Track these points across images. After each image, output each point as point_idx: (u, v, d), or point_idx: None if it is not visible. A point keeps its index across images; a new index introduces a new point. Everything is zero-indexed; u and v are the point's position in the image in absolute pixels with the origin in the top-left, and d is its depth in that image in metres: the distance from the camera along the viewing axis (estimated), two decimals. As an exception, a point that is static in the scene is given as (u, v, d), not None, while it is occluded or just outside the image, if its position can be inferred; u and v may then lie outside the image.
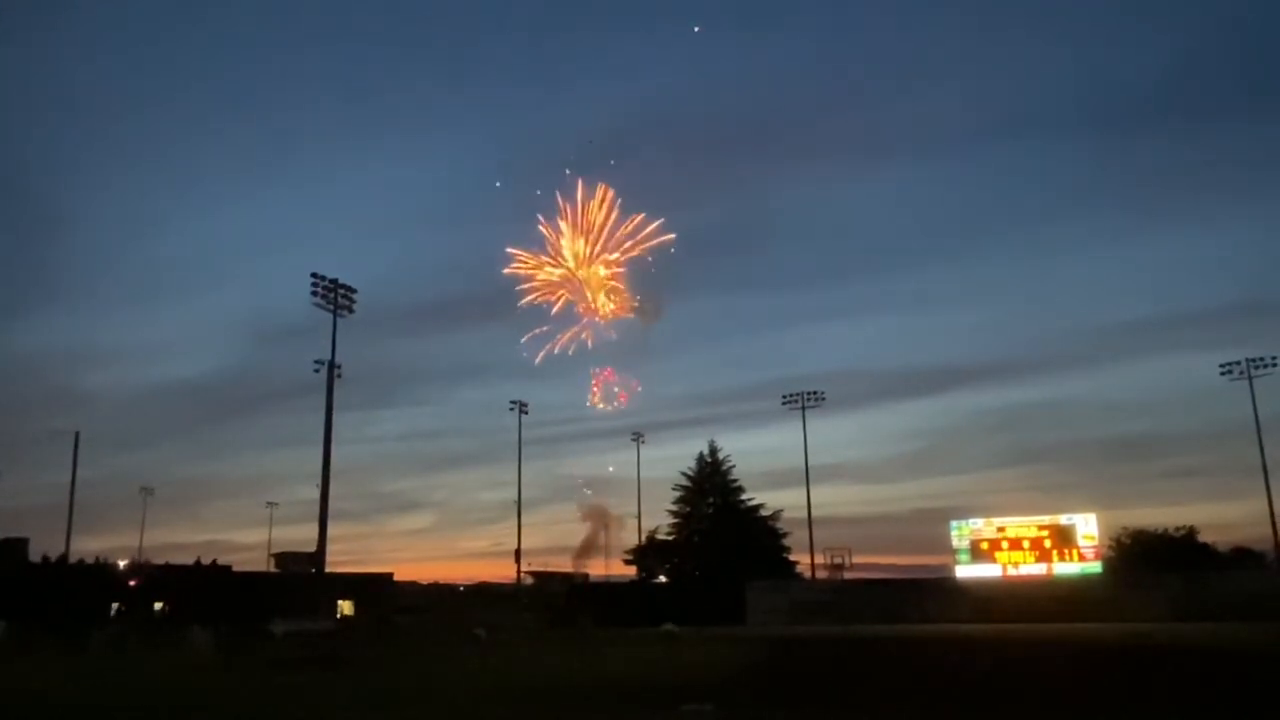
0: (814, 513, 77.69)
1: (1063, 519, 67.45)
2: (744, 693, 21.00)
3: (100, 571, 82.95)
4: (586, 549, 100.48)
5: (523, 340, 76.55)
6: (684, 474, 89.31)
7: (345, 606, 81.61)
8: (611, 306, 71.78)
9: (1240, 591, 58.63)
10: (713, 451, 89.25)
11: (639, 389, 77.57)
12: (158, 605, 76.14)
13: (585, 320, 74.73)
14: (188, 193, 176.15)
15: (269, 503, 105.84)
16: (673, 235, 78.19)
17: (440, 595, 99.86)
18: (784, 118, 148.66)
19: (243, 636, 49.66)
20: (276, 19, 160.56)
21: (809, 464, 78.58)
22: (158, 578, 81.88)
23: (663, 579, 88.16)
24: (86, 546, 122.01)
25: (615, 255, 71.81)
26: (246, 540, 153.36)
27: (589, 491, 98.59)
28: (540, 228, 73.93)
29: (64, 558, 77.21)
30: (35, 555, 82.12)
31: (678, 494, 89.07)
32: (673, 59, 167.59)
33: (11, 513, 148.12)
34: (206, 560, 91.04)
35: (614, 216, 73.04)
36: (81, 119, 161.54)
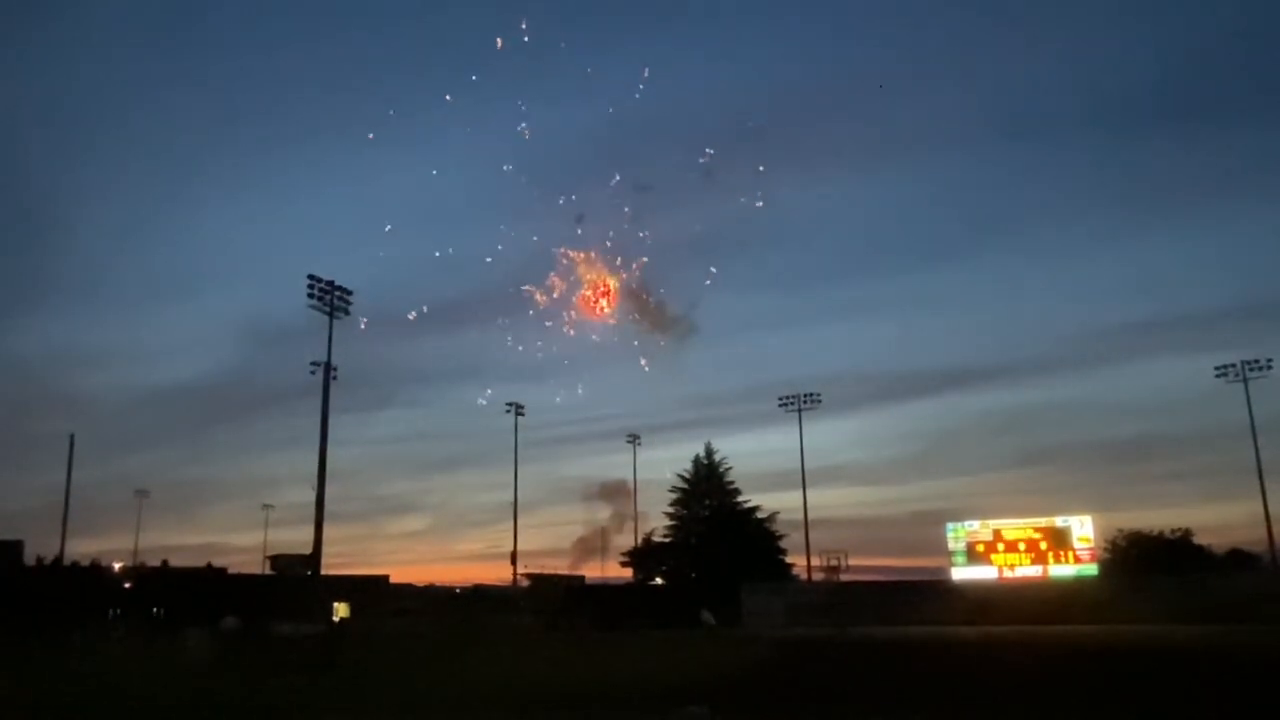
0: (811, 515, 77.73)
1: (1058, 521, 67.63)
2: (740, 696, 21.00)
3: (95, 574, 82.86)
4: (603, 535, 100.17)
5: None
6: (681, 476, 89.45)
7: (341, 609, 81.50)
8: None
9: (1236, 593, 58.73)
10: (709, 454, 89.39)
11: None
12: (155, 609, 76.01)
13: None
14: (183, 195, 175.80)
15: (264, 505, 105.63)
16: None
17: (436, 598, 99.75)
18: (783, 118, 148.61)
19: (237, 638, 49.65)
20: (273, 20, 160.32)
21: (805, 466, 78.62)
22: (153, 580, 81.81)
23: (659, 581, 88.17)
24: (82, 549, 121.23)
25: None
26: (242, 543, 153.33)
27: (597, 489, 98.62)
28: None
29: (59, 560, 77.02)
30: (30, 558, 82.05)
31: (674, 496, 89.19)
32: (672, 59, 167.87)
33: (6, 515, 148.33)
34: (209, 565, 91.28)
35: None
36: (77, 121, 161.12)
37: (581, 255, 63.17)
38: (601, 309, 64.31)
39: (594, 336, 65.37)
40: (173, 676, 29.25)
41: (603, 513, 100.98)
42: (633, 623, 63.59)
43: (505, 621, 71.53)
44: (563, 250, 64.97)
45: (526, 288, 67.71)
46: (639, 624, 62.52)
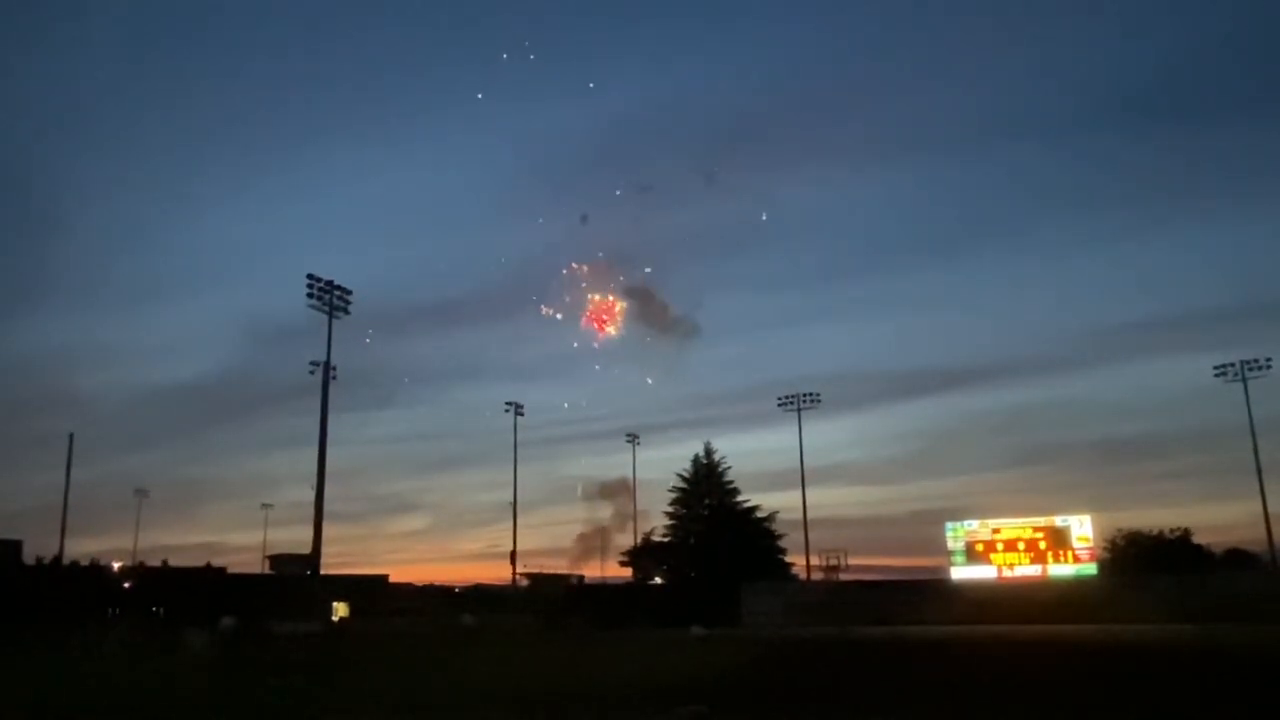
0: (810, 514, 77.82)
1: (1057, 520, 67.64)
2: (739, 695, 21.01)
3: (95, 574, 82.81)
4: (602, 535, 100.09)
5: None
6: (680, 476, 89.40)
7: (340, 609, 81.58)
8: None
9: (1234, 593, 58.77)
10: (709, 453, 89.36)
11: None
12: (155, 608, 75.95)
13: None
14: (184, 195, 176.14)
15: (264, 504, 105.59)
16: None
17: (435, 597, 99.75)
18: (782, 118, 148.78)
19: (237, 639, 49.64)
20: (273, 22, 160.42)
21: (805, 466, 78.70)
22: (152, 580, 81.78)
23: (658, 581, 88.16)
24: (81, 549, 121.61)
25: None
26: (242, 542, 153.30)
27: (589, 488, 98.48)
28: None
29: (58, 560, 77.01)
30: (29, 557, 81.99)
31: (674, 496, 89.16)
32: (672, 61, 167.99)
33: (6, 515, 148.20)
34: (208, 564, 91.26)
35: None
36: (78, 121, 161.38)
37: (587, 268, 63.13)
38: (607, 330, 64.39)
39: (594, 345, 65.54)
40: (171, 677, 29.25)
41: (602, 512, 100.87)
42: (632, 622, 63.58)
43: (504, 621, 71.50)
44: (572, 266, 64.97)
45: (534, 298, 67.55)
46: (638, 624, 62.52)
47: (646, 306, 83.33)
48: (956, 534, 69.55)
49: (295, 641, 48.60)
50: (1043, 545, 67.17)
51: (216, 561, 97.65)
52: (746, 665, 30.07)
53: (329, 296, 61.64)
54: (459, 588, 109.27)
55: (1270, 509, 67.46)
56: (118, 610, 75.66)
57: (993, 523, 69.34)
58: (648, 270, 74.08)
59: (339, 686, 25.12)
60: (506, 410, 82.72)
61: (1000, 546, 68.17)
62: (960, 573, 68.69)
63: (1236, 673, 25.04)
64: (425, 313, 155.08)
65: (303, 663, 32.92)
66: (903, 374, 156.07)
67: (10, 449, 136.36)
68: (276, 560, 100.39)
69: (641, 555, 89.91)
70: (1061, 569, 66.04)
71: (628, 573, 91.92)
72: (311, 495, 60.48)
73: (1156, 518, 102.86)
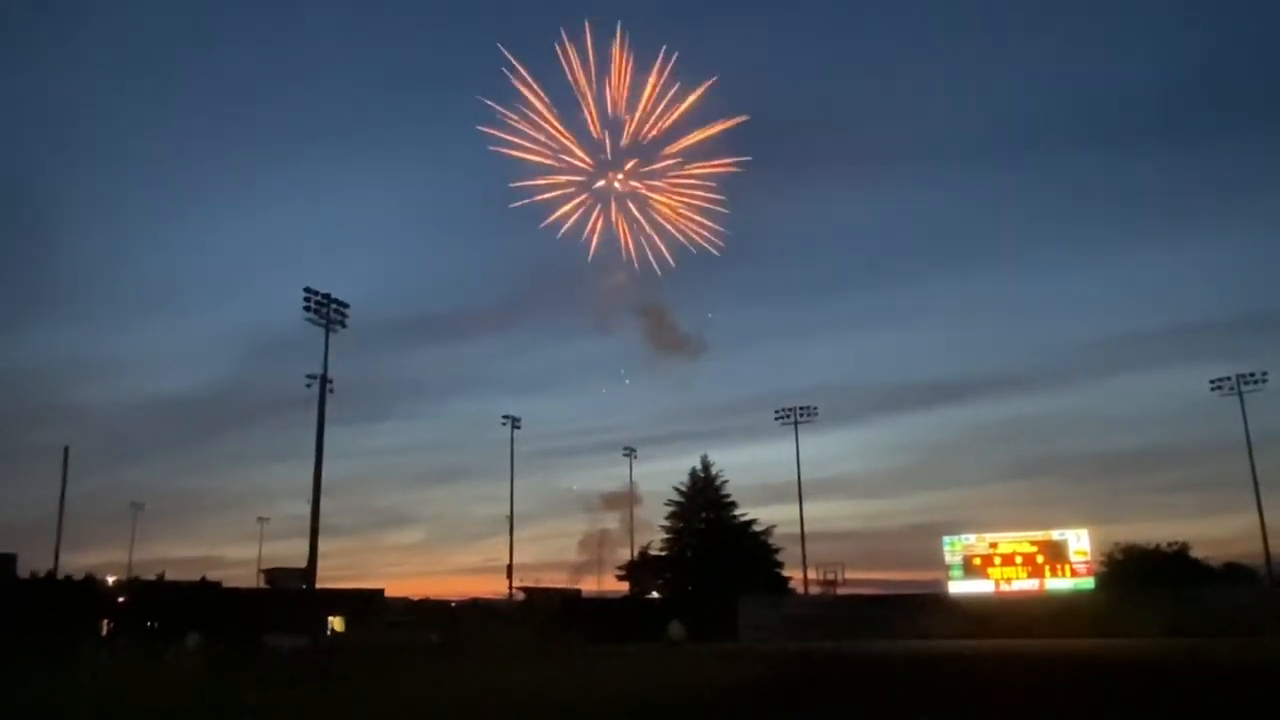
0: (807, 528, 77.65)
1: (1055, 534, 67.58)
2: (736, 708, 20.93)
3: (89, 588, 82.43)
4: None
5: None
6: (677, 489, 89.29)
7: (336, 623, 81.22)
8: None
9: (1231, 607, 58.73)
10: (705, 466, 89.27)
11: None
12: (149, 623, 75.57)
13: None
14: (181, 207, 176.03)
15: (260, 518, 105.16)
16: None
17: (431, 611, 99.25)
18: (780, 129, 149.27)
19: (232, 653, 49.52)
20: (272, 32, 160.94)
21: (802, 479, 78.64)
22: (147, 594, 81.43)
23: (655, 595, 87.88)
24: (76, 562, 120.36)
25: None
26: (238, 555, 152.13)
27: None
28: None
29: (52, 574, 76.67)
30: (24, 571, 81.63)
31: (670, 509, 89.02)
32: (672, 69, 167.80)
33: (0, 528, 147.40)
34: (203, 578, 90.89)
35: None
36: (77, 132, 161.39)
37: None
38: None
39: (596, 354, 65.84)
40: (154, 690, 29.10)
41: (600, 526, 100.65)
42: (628, 637, 63.30)
43: (499, 635, 71.25)
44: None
45: (535, 309, 68.40)
46: (634, 638, 62.24)
47: (657, 325, 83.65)
48: (954, 548, 69.46)
49: (283, 655, 48.44)
50: (1040, 559, 67.08)
51: (212, 575, 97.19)
52: (742, 679, 29.94)
53: (326, 309, 61.66)
54: (455, 601, 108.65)
55: (1268, 523, 67.46)
56: (112, 624, 75.25)
57: (990, 536, 69.27)
58: (651, 284, 74.34)
59: (318, 699, 24.98)
60: (503, 423, 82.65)
61: (998, 560, 68.08)
62: (958, 587, 68.55)
63: (1232, 687, 24.97)
64: (423, 325, 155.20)
65: (291, 677, 32.72)
66: (900, 387, 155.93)
67: (5, 461, 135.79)
68: (272, 574, 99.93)
69: (639, 569, 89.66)
70: (1059, 583, 65.92)
71: (624, 587, 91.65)
72: (308, 508, 60.34)
73: (1154, 531, 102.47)
